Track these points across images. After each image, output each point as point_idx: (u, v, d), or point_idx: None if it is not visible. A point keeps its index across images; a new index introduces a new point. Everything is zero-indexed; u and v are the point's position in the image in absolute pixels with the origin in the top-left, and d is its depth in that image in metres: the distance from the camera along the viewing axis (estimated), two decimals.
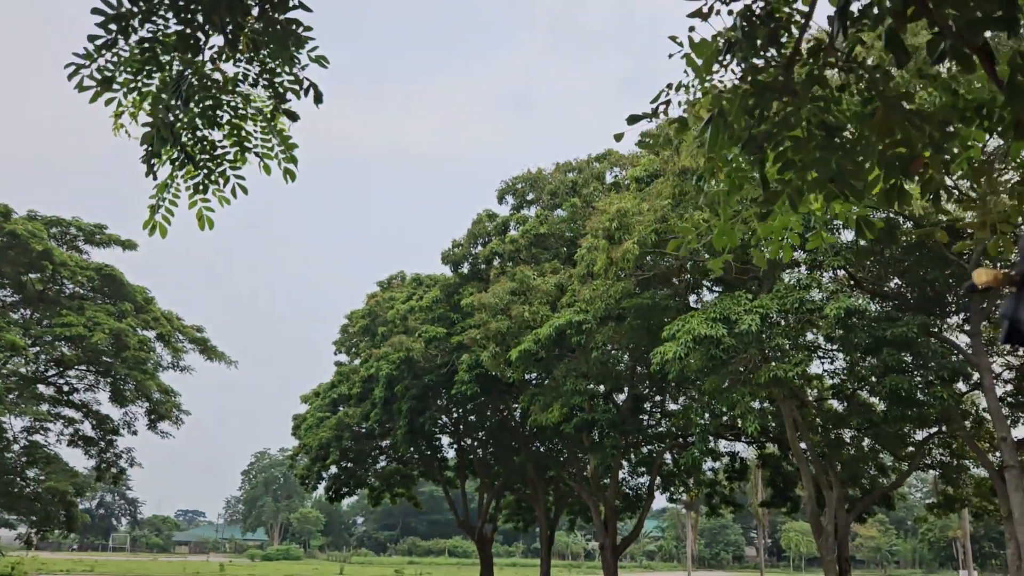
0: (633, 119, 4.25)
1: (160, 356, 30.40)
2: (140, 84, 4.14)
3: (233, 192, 4.63)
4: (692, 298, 24.81)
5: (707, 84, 3.96)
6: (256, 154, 4.66)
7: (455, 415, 37.03)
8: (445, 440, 39.44)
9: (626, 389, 29.83)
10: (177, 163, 4.42)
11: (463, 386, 28.61)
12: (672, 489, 36.03)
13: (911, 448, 23.86)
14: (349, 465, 37.00)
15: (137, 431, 31.70)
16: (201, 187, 4.59)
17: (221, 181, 4.62)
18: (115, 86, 4.07)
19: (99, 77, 4.05)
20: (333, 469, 36.78)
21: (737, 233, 4.45)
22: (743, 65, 3.82)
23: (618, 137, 4.80)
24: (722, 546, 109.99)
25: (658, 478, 33.04)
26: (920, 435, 23.67)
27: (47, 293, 28.30)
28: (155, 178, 4.42)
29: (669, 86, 4.37)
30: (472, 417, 37.19)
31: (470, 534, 40.34)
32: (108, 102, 4.16)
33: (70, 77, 4.01)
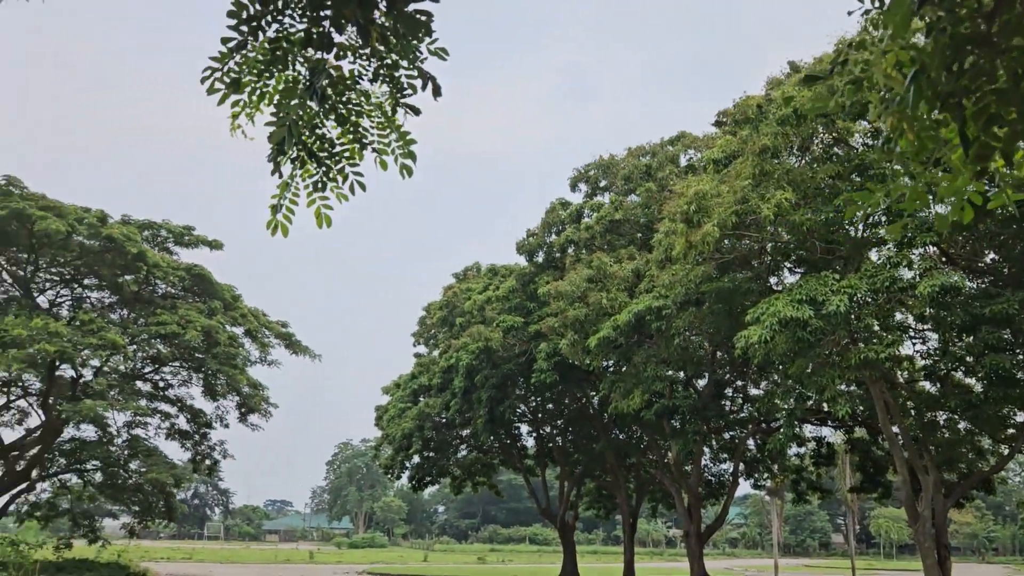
0: (809, 79, 4.13)
1: (248, 351, 31.46)
2: (262, 85, 4.26)
3: (351, 188, 4.69)
4: (773, 280, 24.27)
5: (899, 40, 3.78)
6: (373, 150, 4.70)
7: (533, 404, 37.21)
8: (524, 429, 39.73)
9: (706, 375, 29.45)
10: (298, 162, 4.52)
11: (542, 374, 28.69)
12: (756, 475, 35.39)
13: (1012, 430, 22.83)
14: (431, 454, 37.61)
15: (229, 424, 32.92)
16: (320, 185, 4.65)
17: (339, 178, 4.69)
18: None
19: (228, 80, 4.19)
20: (416, 459, 37.44)
21: (926, 196, 4.26)
22: (939, 17, 3.64)
23: (787, 100, 4.69)
24: (808, 533, 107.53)
25: (741, 464, 32.50)
26: (1022, 416, 22.64)
27: (142, 294, 29.57)
28: (280, 176, 4.52)
29: (849, 44, 4.21)
30: (550, 405, 37.31)
31: (552, 522, 40.52)
32: (233, 104, 4.30)
33: (203, 81, 4.16)
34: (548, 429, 39.22)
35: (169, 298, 29.82)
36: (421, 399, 36.59)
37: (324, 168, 4.64)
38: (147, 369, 31.91)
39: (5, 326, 24.33)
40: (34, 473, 29.94)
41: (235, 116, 4.41)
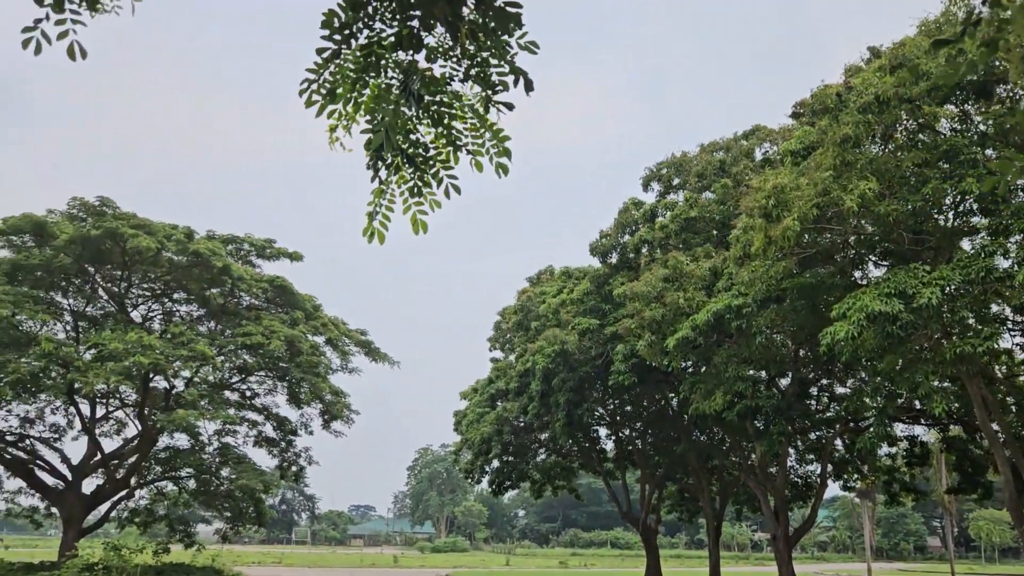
0: (939, 43, 3.93)
1: (329, 360, 32.18)
2: (356, 94, 4.32)
3: (446, 192, 4.69)
4: (857, 274, 23.47)
5: None
6: (468, 151, 4.68)
7: (611, 406, 36.92)
8: (603, 432, 39.47)
9: (790, 373, 28.66)
10: (393, 167, 4.56)
11: (619, 376, 28.42)
12: (845, 477, 34.24)
13: None
14: (510, 459, 37.70)
15: (313, 431, 33.71)
16: (415, 190, 4.66)
17: (434, 183, 4.69)
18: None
19: (324, 91, 4.27)
20: (495, 463, 37.59)
21: None
22: None
23: (913, 70, 4.52)
24: (901, 536, 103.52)
25: (829, 465, 31.49)
26: None
27: (228, 306, 30.59)
28: (380, 183, 4.57)
29: (983, 2, 3.99)
30: (628, 407, 36.95)
31: (634, 525, 40.08)
32: (330, 115, 4.37)
33: (301, 93, 4.26)
34: (627, 432, 38.85)
35: (253, 309, 30.73)
36: (499, 403, 36.72)
37: (419, 173, 4.65)
38: (234, 379, 32.96)
39: (103, 340, 25.48)
40: (133, 481, 31.28)
41: (332, 129, 4.47)
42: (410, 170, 4.60)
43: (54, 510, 31.53)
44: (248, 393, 33.93)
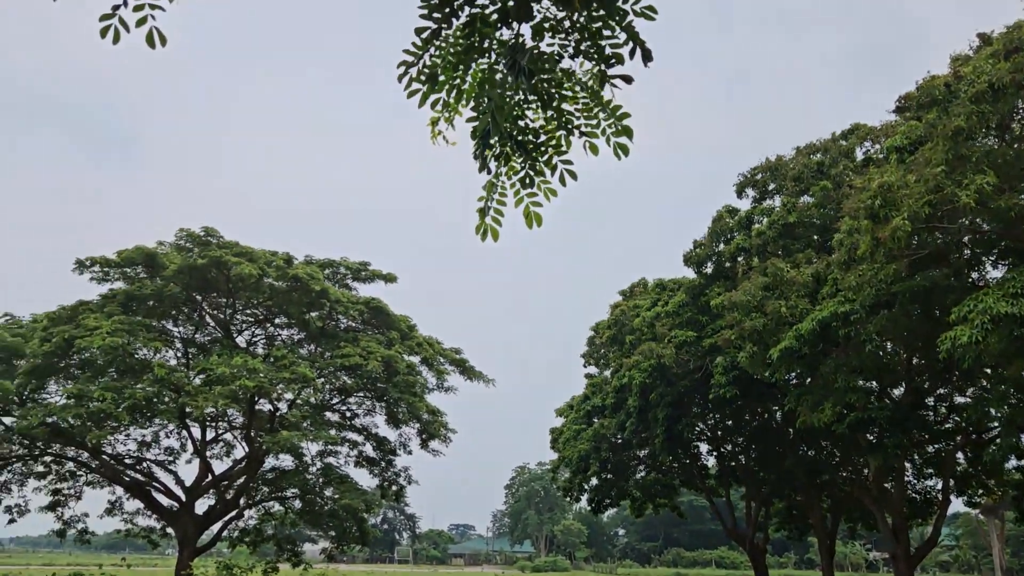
0: None
1: (426, 379, 32.43)
2: (459, 79, 4.13)
3: (561, 180, 4.38)
4: (974, 275, 22.05)
5: None
6: (581, 134, 4.38)
7: (711, 421, 35.88)
8: (703, 447, 38.37)
9: (903, 383, 27.15)
10: (502, 158, 4.32)
11: (721, 390, 27.59)
12: (969, 492, 32.12)
13: None
14: (609, 476, 37.07)
15: (412, 451, 33.98)
16: (527, 180, 4.39)
17: (547, 171, 4.40)
18: (437, 85, 4.09)
19: (425, 75, 4.09)
20: (594, 481, 37.04)
21: None
22: None
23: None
24: None
25: (951, 480, 29.59)
26: None
27: (326, 328, 31.30)
28: (488, 172, 4.32)
29: None
30: (730, 422, 35.82)
31: (741, 544, 38.72)
32: (433, 104, 4.21)
33: (400, 78, 4.10)
34: (729, 447, 37.64)
35: (351, 331, 31.34)
36: (595, 420, 36.23)
37: (530, 162, 4.38)
38: (335, 400, 33.63)
39: (211, 365, 26.42)
40: (242, 501, 32.25)
41: (434, 122, 4.31)
42: (520, 159, 4.34)
43: (170, 530, 32.81)
44: (348, 414, 34.55)
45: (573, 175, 4.44)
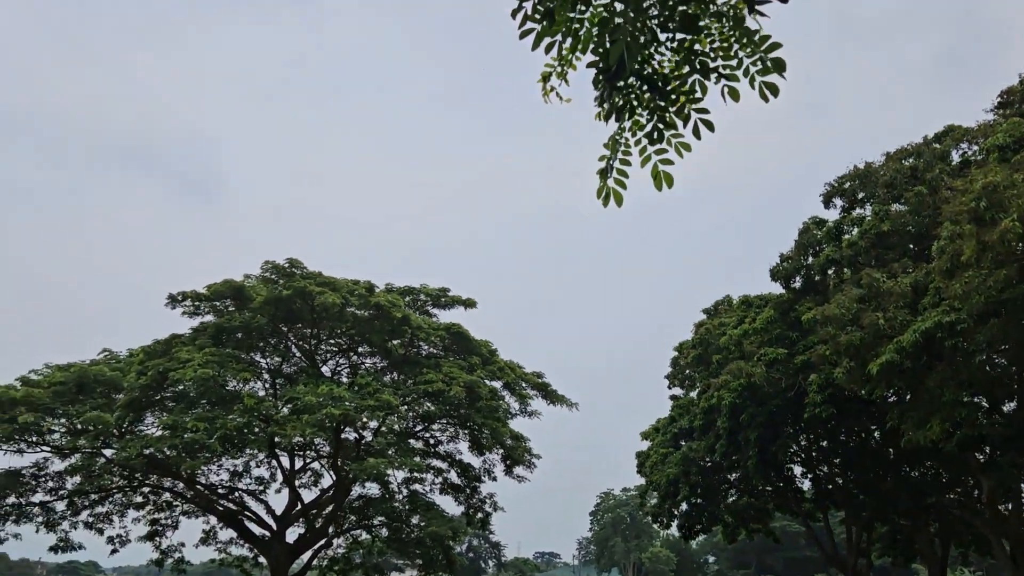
0: None
1: (508, 404, 32.18)
2: (576, 21, 3.79)
3: (696, 132, 3.91)
4: None
5: None
6: (720, 76, 3.87)
7: (804, 441, 34.45)
8: (797, 470, 36.85)
9: (1015, 396, 25.44)
10: (626, 110, 3.87)
11: (816, 408, 26.44)
12: None
13: None
14: (699, 501, 35.91)
15: (496, 477, 33.68)
16: (655, 135, 3.92)
17: (679, 122, 3.91)
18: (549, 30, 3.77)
19: (540, 12, 3.77)
20: (684, 506, 35.97)
21: None
22: None
23: None
24: None
25: None
26: None
27: (408, 355, 31.45)
28: (617, 119, 3.88)
29: None
30: (824, 442, 34.31)
31: (841, 570, 36.85)
32: (548, 48, 3.89)
33: (513, 15, 3.82)
34: (825, 469, 36.02)
35: (432, 357, 31.40)
36: (683, 443, 35.24)
37: (659, 113, 3.91)
38: (418, 427, 33.69)
39: (297, 394, 26.81)
40: (330, 529, 32.51)
41: (546, 78, 3.97)
42: (645, 113, 3.92)
43: (262, 559, 33.28)
44: (432, 441, 34.55)
45: (710, 125, 3.94)
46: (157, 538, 33.09)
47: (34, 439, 28.58)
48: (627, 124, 3.89)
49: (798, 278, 28.38)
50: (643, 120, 3.90)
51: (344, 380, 32.55)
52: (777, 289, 30.38)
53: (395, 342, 31.25)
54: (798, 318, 27.16)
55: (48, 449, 29.33)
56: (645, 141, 3.98)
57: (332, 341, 32.89)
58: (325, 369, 33.15)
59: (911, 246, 25.44)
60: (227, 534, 34.07)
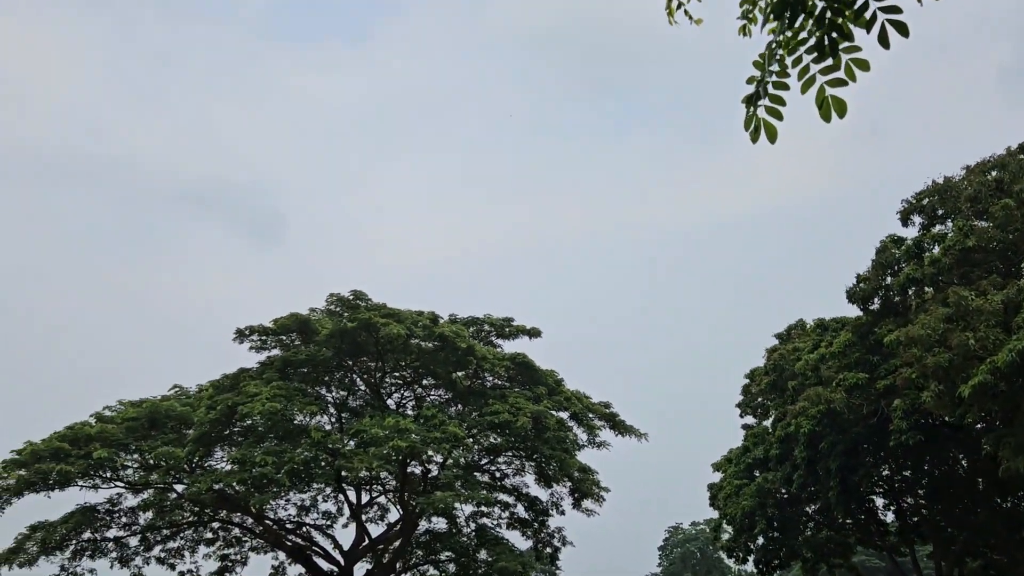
0: None
1: (576, 435, 31.50)
2: None
3: (882, 39, 3.05)
4: None
5: None
6: None
7: (887, 470, 32.85)
8: (879, 501, 35.16)
9: None
10: (784, 20, 3.08)
11: (902, 436, 25.15)
12: None
13: None
14: (777, 535, 34.46)
15: (564, 511, 32.90)
16: (822, 48, 3.09)
17: (857, 32, 3.11)
18: None
19: None
20: (760, 540, 34.55)
21: None
22: None
23: None
24: None
25: None
26: None
27: (473, 387, 31.11)
28: (776, 17, 3.09)
29: None
30: (907, 472, 32.67)
31: None
32: None
33: None
34: (910, 500, 34.26)
35: (497, 388, 31.01)
36: (758, 474, 33.94)
37: (826, 23, 3.08)
38: (484, 460, 33.20)
39: (364, 427, 26.65)
40: (398, 565, 32.07)
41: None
42: (810, 22, 3.04)
43: None
44: (498, 475, 34.01)
45: (902, 29, 3.06)
46: (227, 573, 33.13)
47: (108, 475, 28.98)
48: (782, 37, 3.13)
49: (876, 299, 27.24)
50: (809, 30, 3.16)
51: (409, 413, 32.34)
52: (853, 311, 29.25)
53: (459, 373, 30.97)
54: (878, 341, 26.04)
55: (121, 485, 29.71)
56: (808, 59, 3.19)
57: (397, 374, 32.77)
58: (390, 402, 33.02)
59: (998, 263, 24.19)
60: (295, 570, 33.91)
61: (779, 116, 3.29)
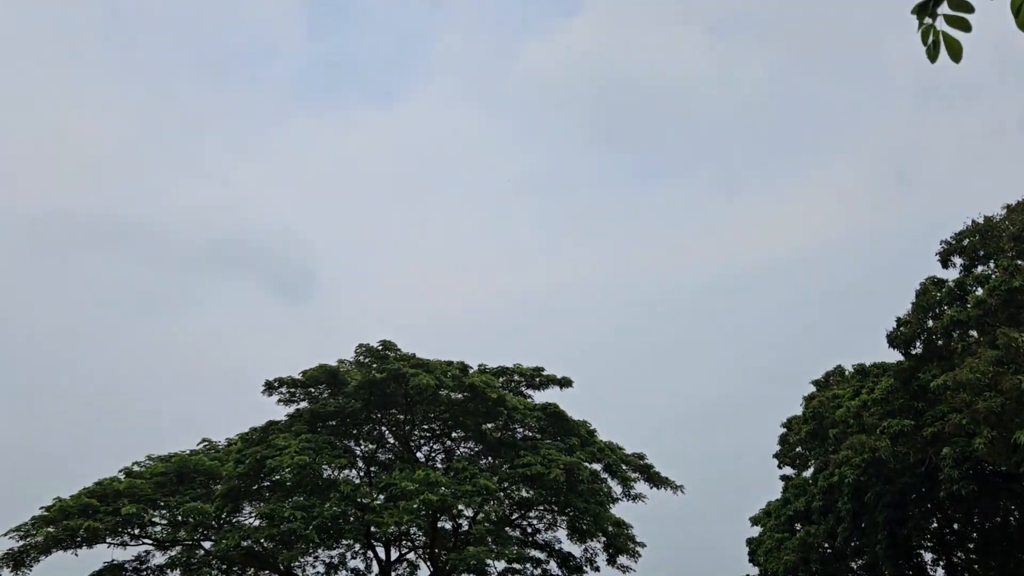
0: None
1: (610, 487, 30.63)
2: None
3: None
4: None
5: None
6: None
7: (935, 523, 31.53)
8: (928, 556, 33.71)
9: None
10: None
11: (953, 485, 24.14)
12: None
13: None
14: None
15: (599, 567, 31.83)
16: None
17: None
18: None
19: None
20: None
21: None
22: None
23: None
24: None
25: None
26: None
27: (503, 438, 30.45)
28: None
29: None
30: (957, 524, 31.34)
31: None
32: None
33: None
34: (961, 555, 32.80)
35: (528, 440, 30.35)
36: (799, 527, 32.78)
37: None
38: (515, 515, 32.35)
39: (393, 480, 26.08)
40: None
41: None
42: None
43: None
44: (529, 529, 33.10)
45: None
46: None
47: (136, 531, 28.52)
48: None
49: (919, 343, 26.46)
50: None
51: (439, 466, 31.71)
52: (892, 356, 28.47)
53: (490, 425, 30.39)
54: (922, 386, 25.23)
55: (149, 542, 29.20)
56: None
57: (426, 426, 32.25)
58: (419, 455, 32.42)
59: None
60: None
61: (966, 27, 2.74)
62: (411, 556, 33.91)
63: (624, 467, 31.07)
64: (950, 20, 2.78)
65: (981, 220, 26.01)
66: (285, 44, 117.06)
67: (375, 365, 29.20)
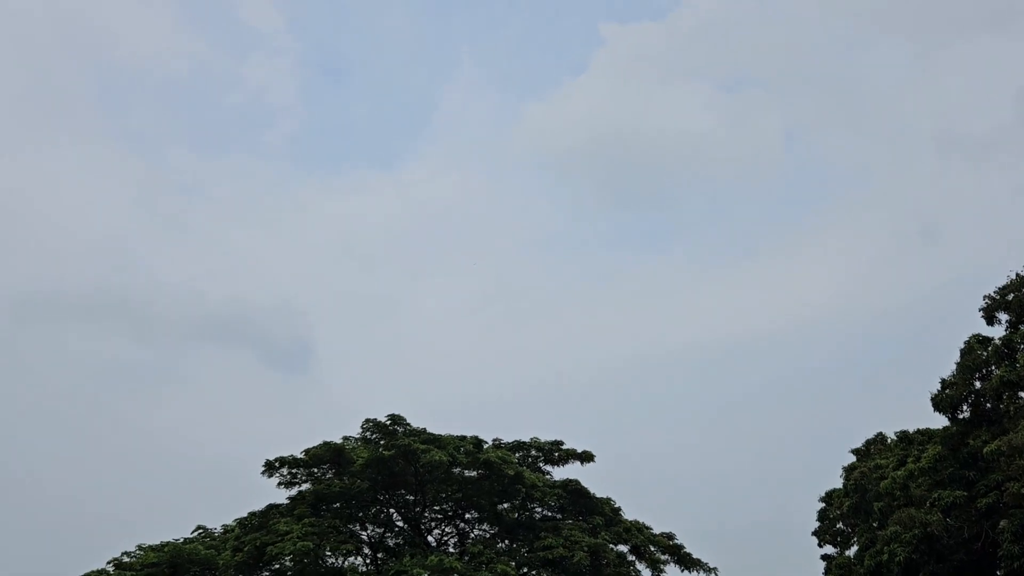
0: None
1: (638, 570, 28.40)
2: None
3: None
4: None
5: None
6: None
7: None
8: None
9: None
10: None
11: (1014, 562, 21.96)
12: None
13: None
14: None
15: None
16: None
17: None
18: None
19: None
20: None
21: None
22: None
23: None
24: None
25: None
26: None
27: (521, 519, 28.44)
28: None
29: None
30: None
31: None
32: None
33: None
34: None
35: (548, 519, 28.36)
36: None
37: None
38: None
39: (404, 567, 24.13)
40: None
41: None
42: None
43: None
44: None
45: None
46: None
47: None
48: None
49: (966, 406, 24.74)
50: None
51: (452, 550, 29.59)
52: (937, 421, 26.66)
53: (506, 504, 28.46)
54: (973, 452, 23.43)
55: None
56: None
57: (437, 508, 30.31)
58: (430, 538, 30.35)
59: None
60: None
61: None
62: None
63: (652, 548, 28.94)
64: None
65: None
66: (283, 107, 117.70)
67: (383, 441, 27.55)
